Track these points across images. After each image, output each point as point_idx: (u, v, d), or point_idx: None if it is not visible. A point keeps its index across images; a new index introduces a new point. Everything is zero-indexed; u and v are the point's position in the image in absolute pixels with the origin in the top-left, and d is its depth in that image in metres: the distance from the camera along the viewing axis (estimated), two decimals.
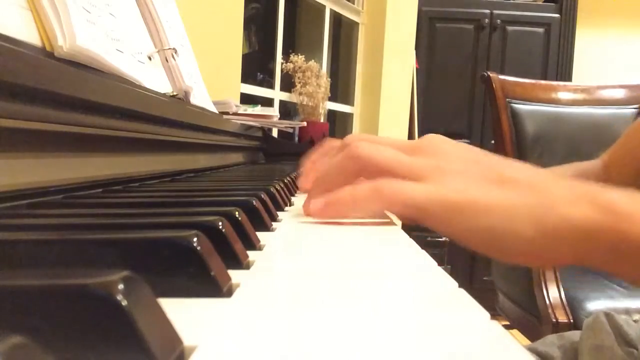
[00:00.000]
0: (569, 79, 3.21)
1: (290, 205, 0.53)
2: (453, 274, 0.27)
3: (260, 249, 0.30)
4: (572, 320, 1.24)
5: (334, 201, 0.38)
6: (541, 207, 0.30)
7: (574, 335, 0.71)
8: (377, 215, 0.42)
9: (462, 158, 0.35)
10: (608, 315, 0.68)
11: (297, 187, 0.69)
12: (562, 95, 1.53)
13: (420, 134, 2.95)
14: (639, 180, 0.73)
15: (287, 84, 2.70)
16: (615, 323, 0.66)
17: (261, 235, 0.32)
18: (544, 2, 3.27)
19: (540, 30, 3.21)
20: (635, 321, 0.68)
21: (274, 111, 1.50)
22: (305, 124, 1.97)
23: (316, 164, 0.53)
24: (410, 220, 0.34)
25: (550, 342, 0.71)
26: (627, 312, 0.69)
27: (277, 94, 2.69)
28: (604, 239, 0.29)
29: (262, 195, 0.41)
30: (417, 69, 3.13)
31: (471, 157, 0.36)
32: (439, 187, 0.33)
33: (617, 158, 0.76)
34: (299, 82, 2.58)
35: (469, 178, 0.33)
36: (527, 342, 1.41)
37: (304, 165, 0.54)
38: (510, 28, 3.21)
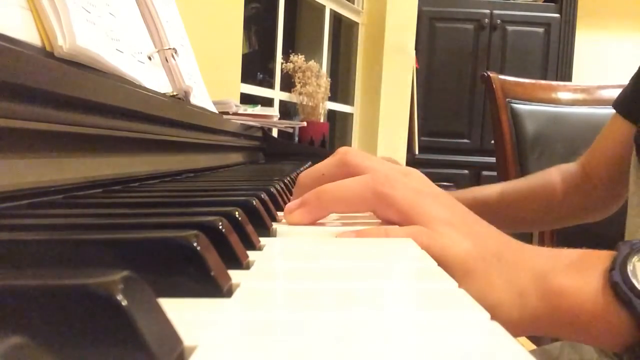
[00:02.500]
0: (569, 79, 3.21)
1: None
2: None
3: (260, 249, 0.30)
4: None
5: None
6: (509, 291, 0.33)
7: (555, 348, 0.71)
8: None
9: (456, 209, 0.37)
10: None
11: None
12: (562, 95, 1.53)
13: (421, 134, 2.96)
14: (611, 178, 0.77)
15: (287, 84, 2.70)
16: None
17: (261, 235, 0.32)
18: (544, 2, 3.27)
19: (540, 30, 3.22)
20: None
21: (274, 111, 1.50)
22: (305, 124, 1.98)
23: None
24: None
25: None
26: None
27: (277, 94, 2.69)
28: (552, 320, 0.33)
29: (262, 195, 0.41)
30: (417, 69, 3.13)
31: (462, 211, 0.38)
32: (460, 243, 0.34)
33: (593, 159, 0.78)
34: (299, 82, 2.59)
35: (470, 240, 0.34)
36: (527, 342, 1.41)
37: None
38: (510, 28, 3.22)
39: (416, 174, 0.40)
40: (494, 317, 0.18)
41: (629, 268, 0.31)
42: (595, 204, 0.80)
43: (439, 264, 0.26)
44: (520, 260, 0.34)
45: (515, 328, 0.32)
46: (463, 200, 0.45)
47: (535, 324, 0.33)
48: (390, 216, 0.36)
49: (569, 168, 0.82)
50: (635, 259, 0.31)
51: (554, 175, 0.82)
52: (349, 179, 0.37)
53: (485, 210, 0.64)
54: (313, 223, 0.39)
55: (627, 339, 0.31)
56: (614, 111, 0.76)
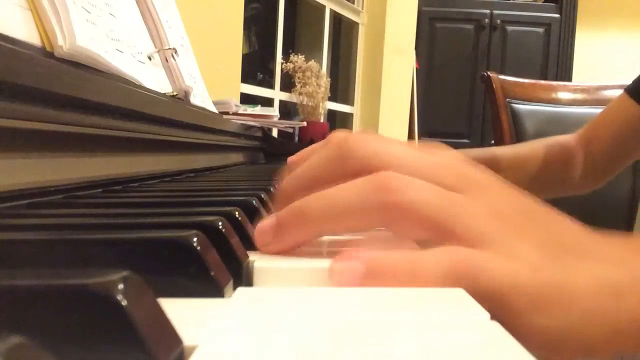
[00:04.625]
0: (569, 79, 3.21)
1: None
2: None
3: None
4: None
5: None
6: (616, 306, 0.23)
7: None
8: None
9: (511, 203, 0.26)
10: None
11: None
12: (562, 95, 1.53)
13: (421, 134, 2.96)
14: (611, 151, 0.82)
15: (287, 84, 2.70)
16: None
17: None
18: (544, 2, 3.27)
19: (540, 30, 3.22)
20: None
21: (274, 111, 1.50)
22: (305, 124, 1.98)
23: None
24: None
25: None
26: None
27: (277, 94, 2.69)
28: None
29: (262, 195, 0.41)
30: (417, 69, 3.13)
31: (519, 202, 0.27)
32: (513, 263, 0.23)
33: (595, 135, 0.84)
34: (299, 82, 2.59)
35: (535, 244, 0.24)
36: None
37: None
38: (510, 28, 3.22)
39: (448, 157, 0.27)
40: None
41: None
42: (588, 177, 0.85)
43: (501, 301, 0.21)
44: (610, 255, 0.25)
45: (606, 343, 0.23)
46: (482, 159, 0.43)
47: (632, 335, 0.23)
48: (415, 233, 0.25)
49: (567, 140, 0.86)
50: None
51: (563, 141, 0.86)
52: (345, 186, 0.25)
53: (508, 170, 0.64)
54: (294, 249, 0.27)
55: None
56: None
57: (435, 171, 0.26)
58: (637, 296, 0.23)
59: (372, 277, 0.22)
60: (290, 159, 0.50)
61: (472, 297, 0.20)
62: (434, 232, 0.24)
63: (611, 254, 0.26)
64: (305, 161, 0.30)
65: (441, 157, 0.27)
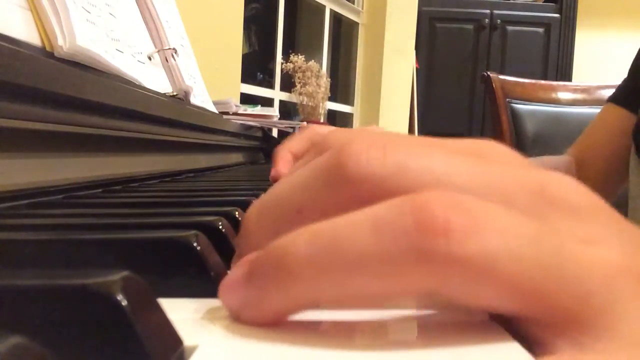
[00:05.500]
0: (569, 79, 3.21)
1: None
2: None
3: None
4: None
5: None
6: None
7: None
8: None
9: (631, 242, 0.16)
10: None
11: None
12: (562, 95, 1.53)
13: (420, 133, 2.96)
14: (608, 170, 0.75)
15: (287, 84, 2.70)
16: None
17: None
18: (544, 2, 3.27)
19: (540, 30, 3.22)
20: None
21: (274, 111, 1.50)
22: (305, 124, 1.98)
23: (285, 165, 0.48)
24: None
25: None
26: None
27: (277, 94, 2.69)
28: None
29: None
30: (417, 69, 3.13)
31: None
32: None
33: (588, 151, 0.77)
34: (299, 82, 2.59)
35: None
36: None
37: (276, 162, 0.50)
38: (510, 28, 3.22)
39: (514, 164, 0.18)
40: None
41: None
42: None
43: None
44: None
45: None
46: None
47: None
48: (483, 301, 0.14)
49: (562, 161, 0.78)
50: None
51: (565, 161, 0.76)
52: (357, 218, 0.14)
53: None
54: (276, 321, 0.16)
55: None
56: None
57: (511, 191, 0.15)
58: None
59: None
60: (278, 152, 0.49)
61: None
62: (527, 305, 0.14)
63: None
64: (290, 172, 0.19)
65: (511, 165, 0.17)
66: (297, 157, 0.55)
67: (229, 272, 0.19)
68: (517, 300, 0.14)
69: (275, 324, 0.16)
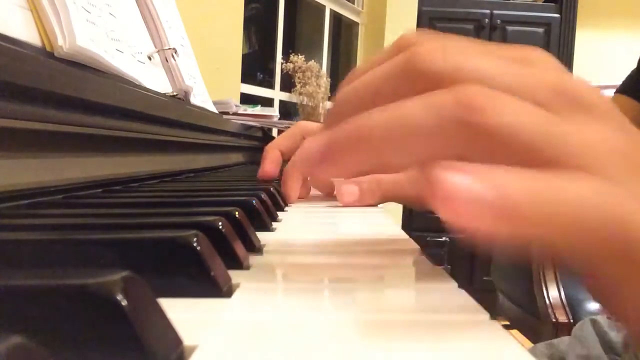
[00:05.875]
0: None
1: (289, 206, 0.53)
2: (453, 274, 0.27)
3: (260, 249, 0.30)
4: (572, 320, 1.24)
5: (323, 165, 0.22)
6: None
7: (563, 343, 0.71)
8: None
9: (632, 139, 0.20)
10: (595, 322, 0.68)
11: None
12: None
13: None
14: None
15: (287, 84, 2.70)
16: (600, 330, 0.66)
17: (261, 235, 0.32)
18: (544, 2, 3.27)
19: (540, 30, 3.22)
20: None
21: (274, 111, 1.50)
22: None
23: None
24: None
25: (540, 352, 0.71)
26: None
27: (277, 94, 2.69)
28: None
29: (262, 195, 0.41)
30: None
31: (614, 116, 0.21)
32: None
33: None
34: (299, 82, 2.59)
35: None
36: (527, 341, 1.41)
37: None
38: (510, 28, 3.21)
39: (552, 70, 0.22)
40: None
41: None
42: None
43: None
44: None
45: None
46: None
47: None
48: (502, 160, 0.18)
49: None
50: None
51: None
52: (416, 100, 0.19)
53: None
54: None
55: None
56: None
57: (536, 89, 0.20)
58: None
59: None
60: (267, 151, 0.49)
61: (612, 253, 0.17)
62: (531, 161, 0.18)
63: None
64: (367, 73, 0.23)
65: (544, 69, 0.22)
66: (286, 155, 0.54)
67: (229, 271, 0.20)
68: (520, 158, 0.18)
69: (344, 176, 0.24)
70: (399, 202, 0.34)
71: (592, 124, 0.19)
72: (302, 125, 0.51)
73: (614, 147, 0.19)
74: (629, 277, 0.18)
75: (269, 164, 0.50)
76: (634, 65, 0.77)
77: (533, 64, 0.22)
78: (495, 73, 0.20)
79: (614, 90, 0.79)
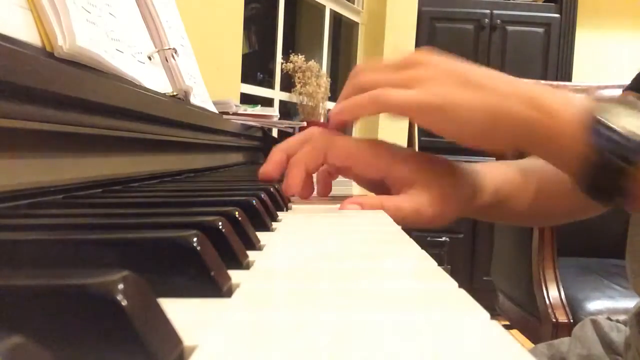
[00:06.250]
0: (569, 79, 3.21)
1: (289, 207, 0.53)
2: (453, 274, 0.27)
3: (260, 249, 0.30)
4: (572, 320, 1.24)
5: (344, 107, 0.46)
6: (494, 105, 0.39)
7: (563, 343, 0.71)
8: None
9: (442, 68, 0.42)
10: (595, 322, 0.68)
11: None
12: None
13: (420, 134, 2.96)
14: None
15: (287, 84, 2.70)
16: (601, 330, 0.66)
17: (261, 235, 0.32)
18: (544, 2, 3.27)
19: (540, 30, 3.21)
20: (617, 321, 0.68)
21: (274, 111, 1.50)
22: (305, 124, 1.98)
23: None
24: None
25: (540, 353, 0.71)
26: (612, 316, 0.70)
27: (277, 94, 2.68)
28: (533, 131, 0.38)
29: (262, 195, 0.41)
30: None
31: (449, 67, 0.43)
32: (422, 92, 0.41)
33: None
34: (299, 82, 2.58)
35: (445, 84, 0.41)
36: (527, 342, 1.41)
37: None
38: (510, 28, 3.21)
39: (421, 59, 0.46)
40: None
41: (610, 109, 0.36)
42: None
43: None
44: (511, 83, 0.41)
45: (483, 131, 0.40)
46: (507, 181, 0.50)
47: (517, 125, 0.38)
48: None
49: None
50: (621, 107, 0.36)
51: None
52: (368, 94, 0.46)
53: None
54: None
55: (582, 164, 0.36)
56: None
57: (392, 62, 0.45)
58: (529, 105, 0.38)
59: (339, 112, 0.48)
60: (273, 152, 0.53)
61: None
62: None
63: (495, 87, 0.41)
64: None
65: (415, 60, 0.44)
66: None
67: (229, 271, 0.20)
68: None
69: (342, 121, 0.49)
70: (399, 224, 0.37)
71: (415, 71, 0.43)
72: (310, 130, 0.52)
73: (443, 74, 0.42)
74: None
75: (272, 164, 0.50)
76: (634, 65, 0.77)
77: (419, 62, 0.44)
78: (384, 79, 0.44)
79: (622, 88, 0.78)
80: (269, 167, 0.50)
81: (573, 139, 0.36)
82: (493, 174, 0.52)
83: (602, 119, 0.36)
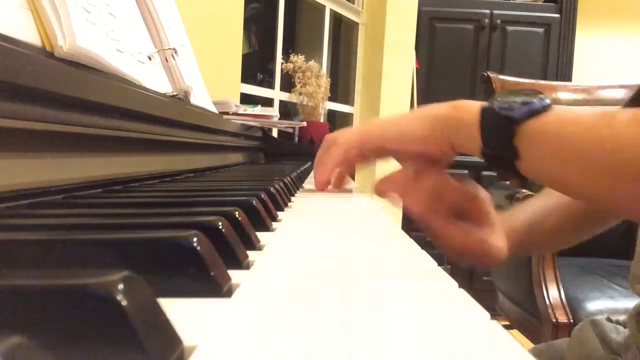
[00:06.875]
0: (569, 79, 3.21)
1: (289, 206, 0.53)
2: (453, 274, 0.27)
3: (260, 249, 0.30)
4: (572, 321, 1.24)
5: (320, 167, 0.58)
6: (426, 113, 0.48)
7: (563, 343, 0.71)
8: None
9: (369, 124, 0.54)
10: (595, 323, 0.68)
11: (296, 187, 0.69)
12: (562, 95, 1.53)
13: None
14: None
15: (287, 84, 2.70)
16: (601, 331, 0.66)
17: (261, 235, 0.32)
18: (544, 2, 3.27)
19: (540, 30, 3.21)
20: (616, 322, 0.68)
21: (274, 111, 1.50)
22: (305, 124, 1.97)
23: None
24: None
25: (540, 353, 0.71)
26: (610, 316, 0.69)
27: (277, 94, 2.68)
28: (455, 124, 0.45)
29: (262, 195, 0.41)
30: (417, 69, 3.13)
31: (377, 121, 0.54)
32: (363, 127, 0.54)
33: None
34: (299, 82, 2.58)
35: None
36: (527, 341, 1.41)
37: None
38: (510, 28, 3.21)
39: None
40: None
41: (503, 95, 0.43)
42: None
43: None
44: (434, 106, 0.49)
45: (419, 137, 0.48)
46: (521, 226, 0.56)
47: (443, 122, 0.46)
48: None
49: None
50: (513, 93, 0.42)
51: None
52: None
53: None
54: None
55: (479, 134, 0.43)
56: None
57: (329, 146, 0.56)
58: (449, 107, 0.46)
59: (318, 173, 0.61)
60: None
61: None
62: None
63: (418, 111, 0.50)
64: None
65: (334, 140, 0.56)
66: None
67: (229, 271, 0.20)
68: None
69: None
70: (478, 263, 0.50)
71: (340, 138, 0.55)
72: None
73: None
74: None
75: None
76: (634, 65, 0.77)
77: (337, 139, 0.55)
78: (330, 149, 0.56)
79: (622, 88, 0.77)
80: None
81: (475, 120, 0.44)
82: (515, 214, 0.61)
83: (493, 99, 0.44)
